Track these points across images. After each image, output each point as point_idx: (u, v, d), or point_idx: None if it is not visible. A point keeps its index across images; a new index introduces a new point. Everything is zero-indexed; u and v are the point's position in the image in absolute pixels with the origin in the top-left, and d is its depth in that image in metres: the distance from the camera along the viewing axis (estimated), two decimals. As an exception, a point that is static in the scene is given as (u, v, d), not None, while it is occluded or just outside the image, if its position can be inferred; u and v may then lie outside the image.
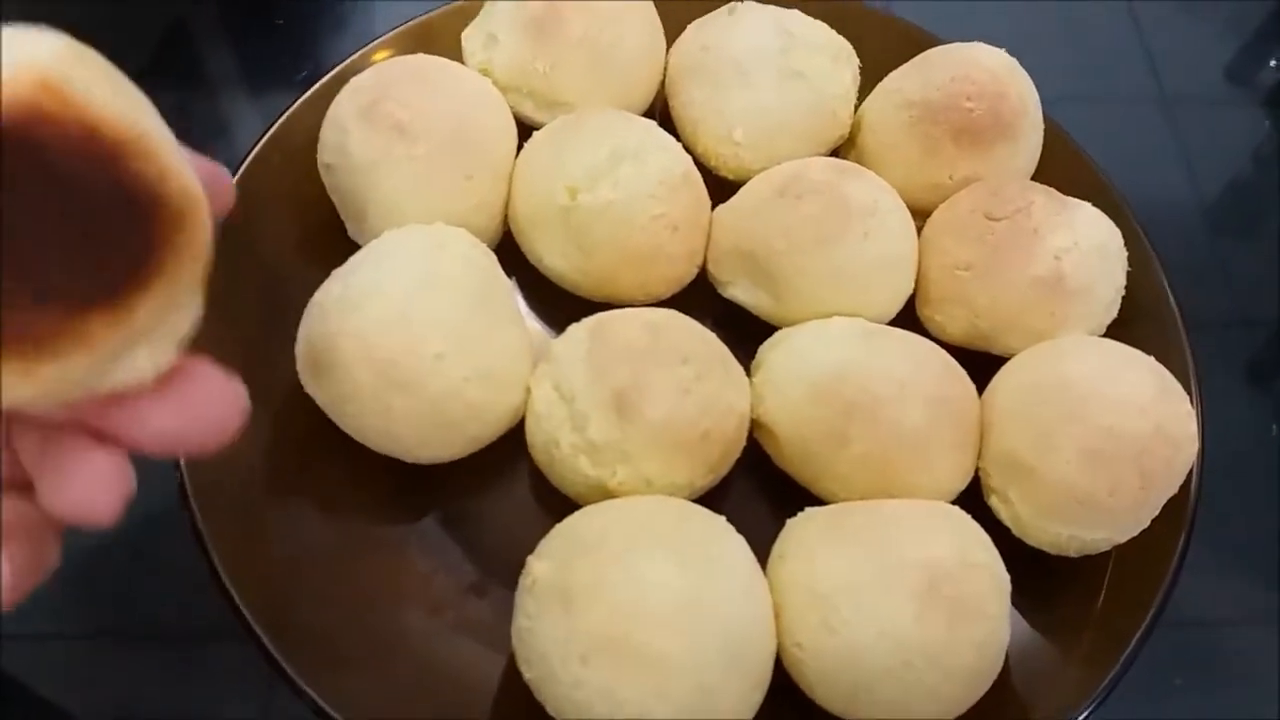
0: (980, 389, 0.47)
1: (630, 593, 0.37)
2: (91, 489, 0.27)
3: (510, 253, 0.50)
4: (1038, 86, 0.53)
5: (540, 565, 0.39)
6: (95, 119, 0.23)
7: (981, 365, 0.47)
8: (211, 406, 0.28)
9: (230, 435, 0.28)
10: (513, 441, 0.46)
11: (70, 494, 0.27)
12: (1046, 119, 0.53)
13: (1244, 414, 0.51)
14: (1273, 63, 0.73)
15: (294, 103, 0.52)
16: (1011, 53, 0.53)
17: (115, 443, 0.27)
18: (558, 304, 0.50)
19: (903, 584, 0.38)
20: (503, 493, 0.47)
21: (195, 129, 0.61)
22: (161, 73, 0.64)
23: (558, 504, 0.44)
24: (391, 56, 0.53)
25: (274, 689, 0.45)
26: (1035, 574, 0.44)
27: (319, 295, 0.44)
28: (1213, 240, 0.63)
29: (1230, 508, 0.51)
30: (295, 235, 0.51)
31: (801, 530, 0.42)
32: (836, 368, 0.44)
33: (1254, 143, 0.69)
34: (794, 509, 0.44)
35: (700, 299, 0.51)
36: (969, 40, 0.54)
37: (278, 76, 0.65)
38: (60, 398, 0.25)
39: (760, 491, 0.48)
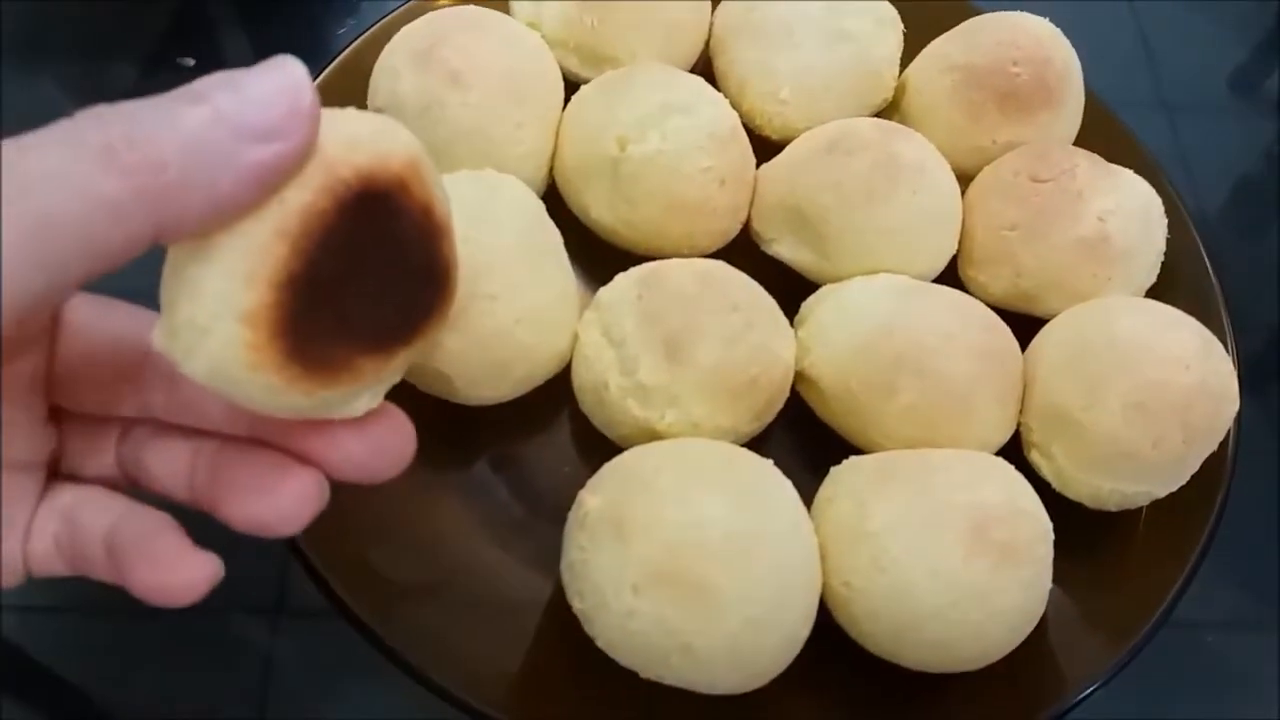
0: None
1: (683, 526, 0.37)
2: (297, 504, 0.29)
3: (552, 207, 0.50)
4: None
5: (593, 499, 0.39)
6: (432, 202, 0.28)
7: (1019, 328, 0.48)
8: (395, 442, 0.31)
9: (403, 468, 0.31)
10: (555, 388, 0.46)
11: (275, 507, 0.29)
12: (1086, 89, 0.54)
13: (1244, 417, 0.51)
14: (1274, 73, 0.74)
15: (344, 49, 0.52)
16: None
17: (309, 463, 0.29)
18: (598, 259, 0.50)
19: (953, 525, 0.38)
20: (546, 438, 0.48)
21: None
22: (175, 54, 0.64)
23: (599, 448, 0.44)
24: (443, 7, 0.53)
25: (273, 656, 0.46)
26: (1067, 533, 0.44)
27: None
28: (1214, 244, 0.64)
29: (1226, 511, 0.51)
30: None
31: (848, 475, 0.42)
32: (884, 320, 0.45)
33: (1256, 148, 0.70)
34: (831, 463, 0.44)
35: (740, 257, 0.51)
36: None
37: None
38: (303, 415, 0.28)
39: (798, 446, 0.48)
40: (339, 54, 0.52)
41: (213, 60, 0.63)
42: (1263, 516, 0.55)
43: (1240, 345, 0.51)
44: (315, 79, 0.50)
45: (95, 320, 0.31)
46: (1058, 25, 0.54)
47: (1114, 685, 0.42)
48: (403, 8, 0.54)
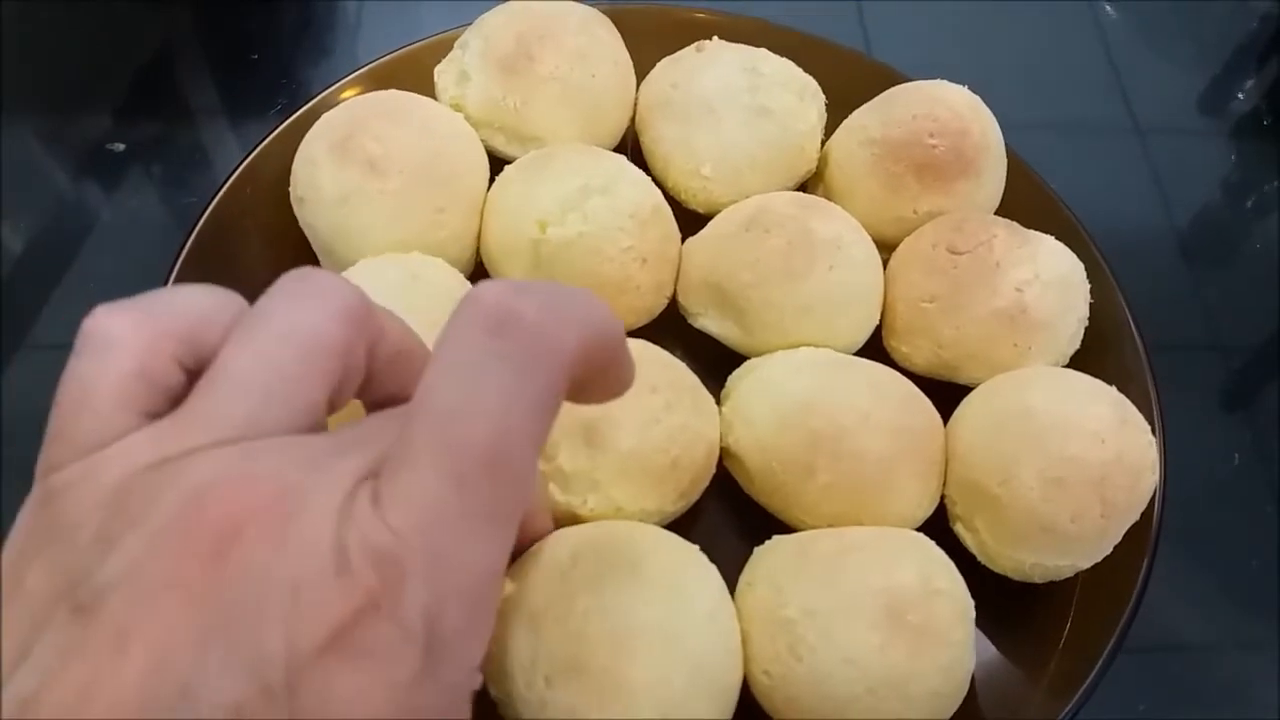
0: (946, 418, 0.47)
1: (596, 617, 0.37)
2: None
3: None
4: (1012, 115, 0.54)
5: (509, 586, 0.39)
6: None
7: (948, 395, 0.48)
8: None
9: None
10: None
11: None
12: (1010, 152, 0.54)
13: (1215, 440, 0.50)
14: (1240, 95, 0.75)
15: (267, 136, 0.52)
16: (985, 82, 0.54)
17: None
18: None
19: (867, 611, 0.38)
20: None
21: (175, 160, 0.61)
22: (141, 103, 0.64)
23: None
24: (365, 92, 0.54)
25: None
26: (1003, 599, 0.44)
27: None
28: (1185, 267, 0.64)
29: (1201, 533, 0.51)
30: (268, 267, 0.50)
31: (769, 558, 0.42)
32: (802, 398, 0.45)
33: (1225, 172, 0.70)
34: (764, 536, 0.44)
35: (672, 329, 0.51)
36: (943, 71, 0.55)
37: (257, 108, 0.66)
38: None
39: (732, 519, 0.48)
40: (259, 143, 0.52)
41: (182, 111, 0.64)
42: (1233, 537, 0.55)
43: (1213, 367, 0.50)
44: (244, 159, 0.51)
45: None
46: (1026, 50, 0.53)
47: (1112, 703, 0.42)
48: (319, 96, 0.54)
